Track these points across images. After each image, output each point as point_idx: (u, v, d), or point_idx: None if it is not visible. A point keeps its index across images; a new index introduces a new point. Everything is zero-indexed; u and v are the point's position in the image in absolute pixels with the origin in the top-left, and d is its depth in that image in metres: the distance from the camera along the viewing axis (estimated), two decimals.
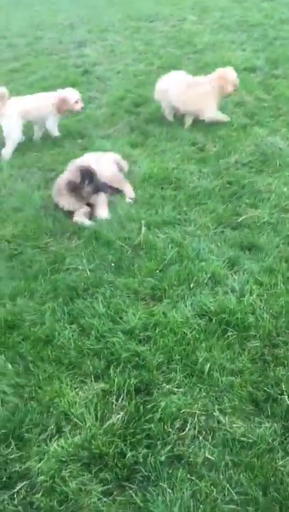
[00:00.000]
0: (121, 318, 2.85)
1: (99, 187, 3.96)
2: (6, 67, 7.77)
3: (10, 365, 2.60)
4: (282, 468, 2.01)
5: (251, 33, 8.12)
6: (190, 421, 2.24)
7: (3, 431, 2.27)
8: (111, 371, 2.49)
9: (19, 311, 2.96)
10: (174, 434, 2.19)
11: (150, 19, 9.72)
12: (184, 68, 6.83)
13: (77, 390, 2.46)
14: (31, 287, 3.16)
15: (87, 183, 3.89)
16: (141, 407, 2.30)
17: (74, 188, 3.88)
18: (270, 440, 2.12)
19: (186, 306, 2.89)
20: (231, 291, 2.99)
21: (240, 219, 3.68)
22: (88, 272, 3.26)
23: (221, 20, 9.07)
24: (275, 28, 8.19)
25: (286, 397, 2.28)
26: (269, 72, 6.40)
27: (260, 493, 1.94)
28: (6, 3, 13.51)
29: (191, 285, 3.07)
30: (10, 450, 2.21)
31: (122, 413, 2.28)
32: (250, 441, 2.13)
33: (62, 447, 2.18)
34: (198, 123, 5.25)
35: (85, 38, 8.90)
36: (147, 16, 9.91)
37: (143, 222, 3.70)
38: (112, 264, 3.32)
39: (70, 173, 3.96)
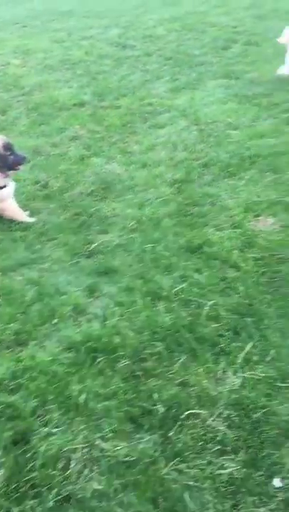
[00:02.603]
0: None
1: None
2: None
3: None
4: (167, 477, 2.07)
5: (75, 70, 8.45)
6: (73, 457, 2.21)
7: None
8: None
9: None
10: (58, 475, 2.13)
11: None
12: (15, 111, 6.91)
13: None
14: None
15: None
16: (20, 459, 2.21)
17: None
18: (151, 452, 2.17)
19: (52, 343, 2.86)
20: (95, 318, 3.04)
21: (93, 246, 3.77)
22: None
23: (45, 61, 9.30)
24: (96, 63, 8.64)
25: (159, 406, 2.37)
26: (97, 104, 6.71)
27: (151, 507, 1.98)
28: None
29: (55, 321, 3.05)
30: None
31: (2, 471, 2.17)
32: (134, 459, 2.16)
33: None
34: (38, 161, 5.29)
35: None
36: None
37: None
38: None
39: None
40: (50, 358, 2.74)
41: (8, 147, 4.00)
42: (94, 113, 6.46)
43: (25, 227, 4.14)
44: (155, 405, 2.38)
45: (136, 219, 4.04)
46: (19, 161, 4.12)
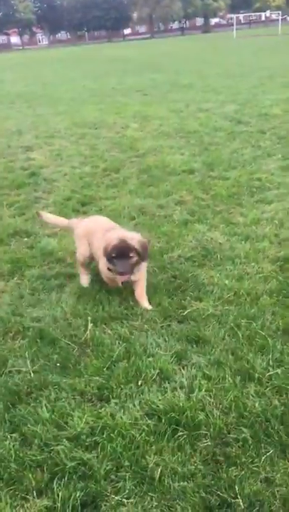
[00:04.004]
0: (66, 423, 2.70)
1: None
2: None
3: None
4: None
5: (188, 139, 8.84)
6: None
7: None
8: (55, 484, 2.30)
9: None
10: None
11: (95, 126, 10.42)
12: (127, 171, 7.30)
13: (18, 508, 2.24)
14: None
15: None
16: None
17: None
18: None
19: (134, 405, 2.79)
20: (180, 388, 2.93)
21: (186, 312, 3.72)
22: (32, 374, 3.13)
23: (161, 127, 9.87)
24: (209, 135, 8.98)
25: (240, 500, 2.17)
26: (206, 173, 6.90)
27: None
28: None
29: (139, 382, 2.99)
30: None
31: None
32: None
33: None
34: (142, 220, 5.47)
35: (32, 143, 9.35)
36: (92, 124, 10.63)
37: (89, 318, 3.67)
38: (58, 364, 3.21)
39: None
40: (130, 422, 2.66)
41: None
42: (202, 181, 6.63)
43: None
44: (235, 498, 2.18)
45: (233, 291, 3.95)
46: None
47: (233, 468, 2.37)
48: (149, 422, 2.67)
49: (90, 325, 3.59)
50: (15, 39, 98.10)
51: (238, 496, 2.20)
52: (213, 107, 11.40)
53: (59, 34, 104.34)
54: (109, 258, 3.69)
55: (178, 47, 37.63)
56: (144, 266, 3.88)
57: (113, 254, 3.65)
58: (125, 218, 5.58)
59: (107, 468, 2.39)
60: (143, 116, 11.06)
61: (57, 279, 4.37)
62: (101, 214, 5.70)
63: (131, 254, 3.64)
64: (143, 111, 11.61)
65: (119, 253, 3.64)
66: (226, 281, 4.11)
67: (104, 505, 2.22)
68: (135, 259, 3.67)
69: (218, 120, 10.06)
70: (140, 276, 3.89)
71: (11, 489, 2.32)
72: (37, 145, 9.18)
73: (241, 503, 2.17)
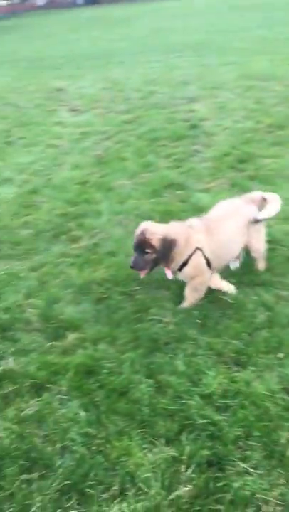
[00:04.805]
0: (200, 379, 2.71)
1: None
2: (119, 118, 8.22)
3: (83, 413, 2.56)
4: None
5: None
6: (264, 509, 2.02)
7: (66, 482, 2.21)
8: (183, 437, 2.35)
9: (99, 357, 2.96)
10: None
11: (263, 78, 9.80)
12: None
13: (145, 451, 2.34)
14: (114, 334, 3.17)
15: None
16: (211, 484, 2.13)
17: None
18: None
19: (272, 377, 2.69)
20: None
21: None
22: (172, 326, 3.19)
23: None
24: None
25: None
26: None
27: None
28: (124, 60, 14.47)
29: (280, 355, 2.86)
30: (70, 504, 2.14)
31: (190, 486, 2.13)
32: None
33: None
34: None
35: (196, 94, 9.19)
36: (261, 76, 10.01)
37: (233, 280, 3.58)
38: (198, 321, 3.22)
39: None
40: (266, 393, 2.57)
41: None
42: None
43: (274, 248, 4.00)
44: None
45: None
46: None
47: None
48: (287, 397, 2.55)
49: (233, 287, 3.49)
50: None
51: None
52: None
53: None
54: (133, 248, 3.31)
55: None
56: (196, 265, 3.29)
57: (135, 245, 3.28)
58: (285, 179, 5.22)
59: (237, 433, 2.37)
60: None
61: None
62: (257, 173, 5.42)
63: (147, 250, 3.20)
64: None
65: (136, 246, 3.25)
66: None
67: (230, 469, 2.20)
68: (153, 256, 3.22)
69: None
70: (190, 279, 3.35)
71: (141, 431, 2.44)
72: (201, 96, 9.00)
73: None
